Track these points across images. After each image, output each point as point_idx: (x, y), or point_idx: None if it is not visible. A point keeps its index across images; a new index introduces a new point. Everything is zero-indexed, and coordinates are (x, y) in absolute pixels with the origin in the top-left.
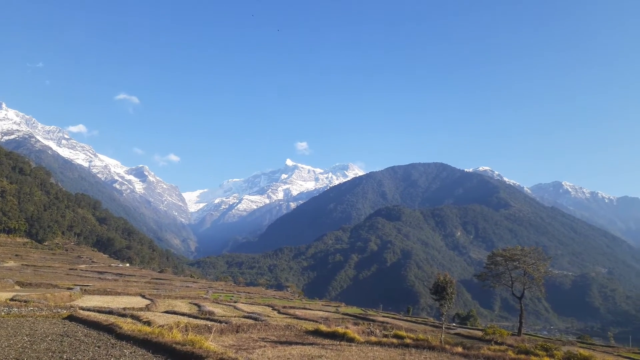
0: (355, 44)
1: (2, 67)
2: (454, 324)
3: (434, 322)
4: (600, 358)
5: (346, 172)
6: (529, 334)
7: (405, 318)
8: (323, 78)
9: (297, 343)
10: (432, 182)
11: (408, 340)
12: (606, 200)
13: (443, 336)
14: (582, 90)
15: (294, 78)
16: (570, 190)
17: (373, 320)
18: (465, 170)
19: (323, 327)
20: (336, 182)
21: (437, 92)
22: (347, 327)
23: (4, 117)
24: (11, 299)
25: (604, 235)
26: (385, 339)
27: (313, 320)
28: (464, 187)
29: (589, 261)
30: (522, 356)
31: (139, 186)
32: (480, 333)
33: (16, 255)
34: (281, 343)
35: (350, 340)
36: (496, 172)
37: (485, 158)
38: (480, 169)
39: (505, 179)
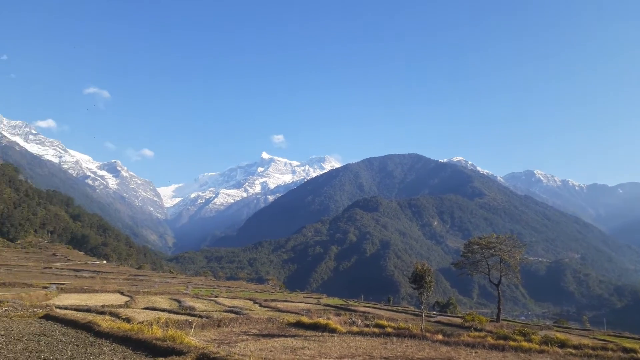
0: (332, 39)
1: None
2: (434, 312)
3: (414, 311)
4: (576, 341)
5: (323, 165)
6: (507, 320)
7: (386, 307)
8: (299, 73)
9: (279, 335)
10: (408, 173)
11: (389, 330)
12: (577, 188)
13: (424, 324)
14: (549, 79)
15: (271, 72)
16: (542, 178)
17: (354, 311)
18: (440, 160)
19: (305, 319)
20: (313, 175)
21: (410, 83)
22: (329, 318)
23: None
24: None
25: (575, 222)
26: (367, 329)
27: (295, 313)
28: (438, 177)
29: (562, 247)
30: (501, 341)
31: (112, 182)
32: (459, 320)
33: None
34: (263, 336)
35: (333, 331)
36: (470, 162)
37: (458, 148)
38: (454, 159)
39: (479, 168)
